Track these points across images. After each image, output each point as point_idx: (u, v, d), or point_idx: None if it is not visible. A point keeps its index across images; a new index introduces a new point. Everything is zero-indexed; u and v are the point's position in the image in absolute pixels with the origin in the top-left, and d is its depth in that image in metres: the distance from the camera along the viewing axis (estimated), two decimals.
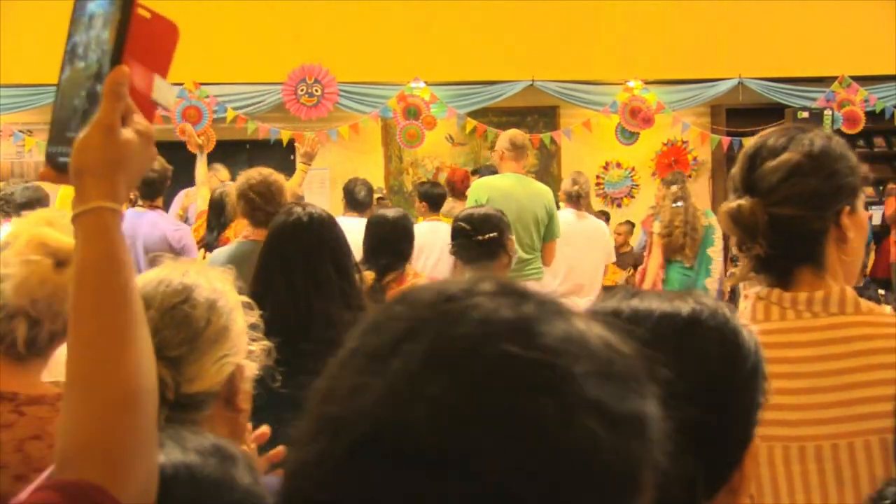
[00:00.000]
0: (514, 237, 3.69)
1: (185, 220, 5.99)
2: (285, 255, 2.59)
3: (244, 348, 1.46)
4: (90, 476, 0.91)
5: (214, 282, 1.46)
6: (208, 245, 4.89)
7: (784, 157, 1.51)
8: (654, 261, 6.52)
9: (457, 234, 3.56)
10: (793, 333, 1.50)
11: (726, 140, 9.11)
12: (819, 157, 1.52)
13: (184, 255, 4.41)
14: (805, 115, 7.99)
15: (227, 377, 1.41)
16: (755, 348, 0.98)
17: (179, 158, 5.81)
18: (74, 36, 1.13)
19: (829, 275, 1.53)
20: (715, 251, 6.61)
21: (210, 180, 5.94)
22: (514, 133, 5.51)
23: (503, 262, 3.54)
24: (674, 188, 6.51)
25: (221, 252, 3.78)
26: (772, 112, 8.80)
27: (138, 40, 1.04)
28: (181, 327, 1.38)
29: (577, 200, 6.09)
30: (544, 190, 5.43)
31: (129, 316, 0.98)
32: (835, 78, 9.03)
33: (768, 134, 1.59)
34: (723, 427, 0.94)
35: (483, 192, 5.21)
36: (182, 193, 6.55)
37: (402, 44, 8.55)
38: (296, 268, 2.55)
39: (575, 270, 5.89)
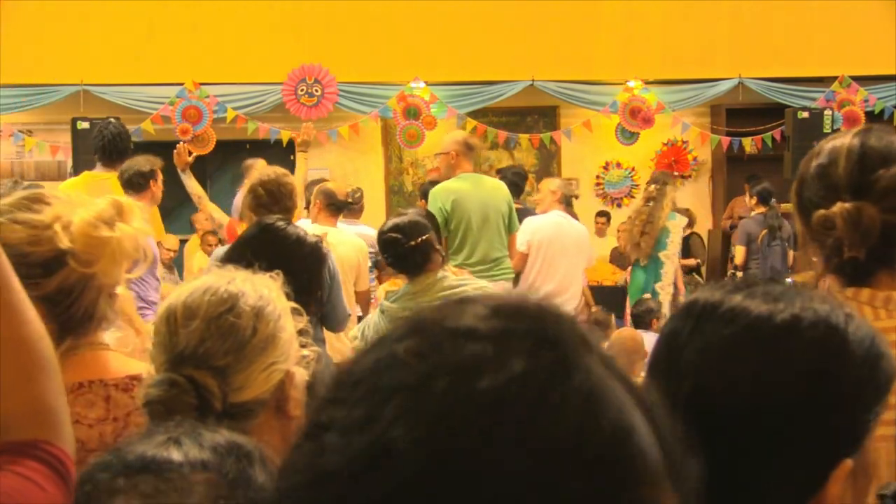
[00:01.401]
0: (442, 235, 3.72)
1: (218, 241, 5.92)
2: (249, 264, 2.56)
3: (294, 354, 1.45)
4: (48, 436, 0.96)
5: (261, 288, 1.45)
6: None
7: None
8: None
9: (388, 246, 3.57)
10: (890, 333, 1.50)
11: (726, 140, 9.10)
12: None
13: None
14: (805, 115, 7.99)
15: (276, 384, 1.40)
16: (870, 363, 0.91)
17: None
18: None
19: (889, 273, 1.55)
20: (666, 255, 6.66)
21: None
22: (463, 133, 5.63)
23: (437, 263, 3.57)
24: (651, 187, 6.61)
25: (222, 252, 3.78)
26: (772, 112, 8.81)
27: None
28: (227, 337, 1.37)
29: (569, 204, 6.14)
30: (499, 185, 5.53)
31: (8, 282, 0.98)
32: (835, 78, 9.03)
33: (862, 134, 1.57)
34: (804, 442, 0.89)
35: (446, 197, 5.24)
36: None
37: (402, 44, 8.55)
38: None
39: (567, 274, 5.93)
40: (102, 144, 5.29)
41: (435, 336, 0.57)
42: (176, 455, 0.98)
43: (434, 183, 6.76)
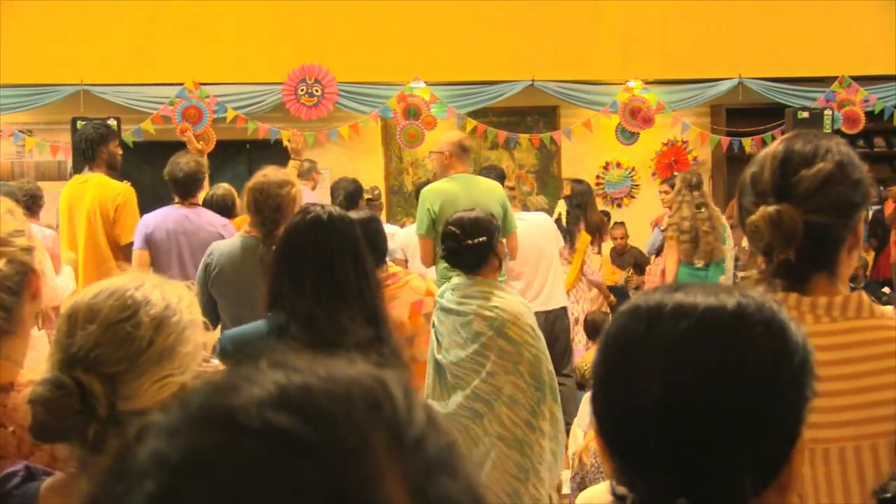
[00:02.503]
0: (504, 241, 3.68)
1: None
2: (300, 254, 2.49)
3: (194, 367, 1.43)
4: None
5: (170, 297, 1.42)
6: None
7: (819, 165, 1.54)
8: (671, 260, 6.58)
9: (446, 238, 3.58)
10: (813, 338, 1.52)
11: (726, 140, 9.10)
12: (846, 166, 1.56)
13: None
14: (805, 115, 7.99)
15: (169, 396, 1.38)
16: (803, 343, 0.97)
17: None
18: None
19: (840, 280, 1.57)
20: (728, 249, 6.71)
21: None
22: (459, 134, 5.58)
23: (493, 266, 3.55)
24: (696, 193, 6.58)
25: (224, 245, 3.76)
26: (772, 112, 8.81)
27: None
28: (121, 345, 1.35)
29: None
30: (494, 186, 5.45)
31: None
32: (835, 78, 9.03)
33: (790, 139, 1.61)
34: (770, 423, 0.93)
35: (434, 199, 5.19)
36: None
37: (402, 44, 8.55)
38: (309, 267, 2.45)
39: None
40: (82, 149, 5.34)
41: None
42: None
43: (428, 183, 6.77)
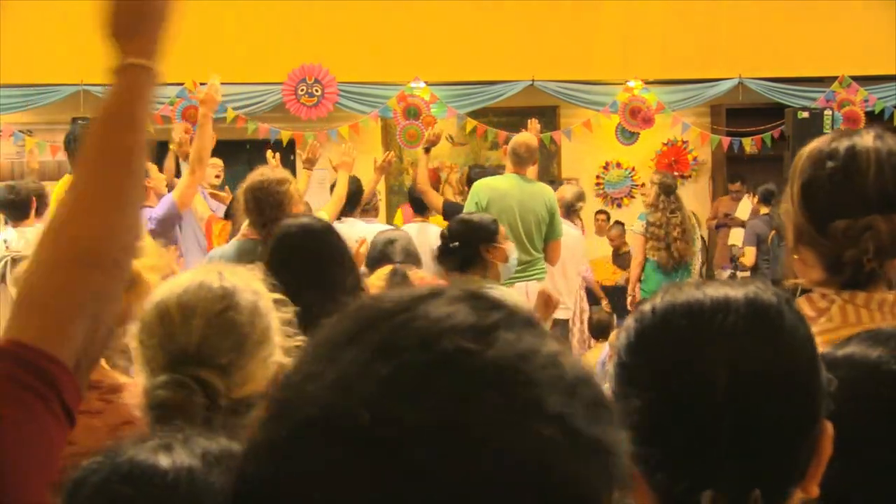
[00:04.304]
0: (505, 244, 3.66)
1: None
2: (288, 259, 2.53)
3: (281, 345, 1.46)
4: (25, 334, 0.91)
5: (251, 282, 1.45)
6: None
7: None
8: (635, 261, 6.67)
9: (440, 237, 3.66)
10: None
11: (726, 140, 9.10)
12: None
13: None
14: (805, 115, 7.98)
15: (272, 377, 1.41)
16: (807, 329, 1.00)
17: None
18: None
19: (887, 279, 1.56)
20: (696, 251, 6.77)
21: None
22: (522, 141, 5.51)
23: (483, 270, 3.54)
24: (672, 198, 6.63)
25: (220, 251, 3.76)
26: (772, 112, 8.80)
27: None
28: (228, 334, 1.37)
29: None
30: (545, 189, 5.44)
31: (124, 177, 0.99)
32: (835, 78, 9.02)
33: (879, 138, 1.55)
34: (817, 408, 0.95)
35: (483, 194, 5.23)
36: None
37: (402, 44, 8.54)
38: (299, 271, 2.47)
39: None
40: (71, 148, 5.35)
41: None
42: (163, 462, 0.97)
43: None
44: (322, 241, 2.62)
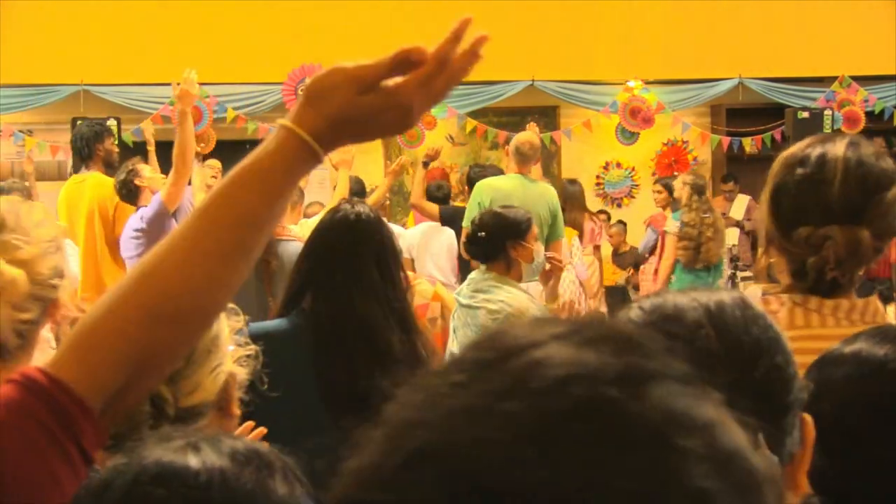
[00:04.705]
0: (534, 245, 3.64)
1: None
2: (328, 252, 2.46)
3: (230, 355, 1.46)
4: (61, 370, 0.90)
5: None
6: None
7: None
8: (667, 262, 6.63)
9: (471, 228, 3.71)
10: (831, 341, 1.52)
11: (726, 140, 9.10)
12: None
13: None
14: (805, 115, 7.99)
15: (221, 386, 1.41)
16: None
17: None
18: None
19: (853, 286, 1.58)
20: (724, 252, 6.82)
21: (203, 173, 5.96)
22: (526, 140, 5.54)
23: (507, 265, 3.54)
24: (703, 198, 6.67)
25: None
26: (772, 112, 8.80)
27: None
28: None
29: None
30: (547, 189, 5.45)
31: (240, 236, 0.94)
32: (835, 78, 9.02)
33: (851, 146, 1.55)
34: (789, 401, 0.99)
35: (486, 194, 5.24)
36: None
37: (402, 44, 8.51)
38: (338, 266, 2.42)
39: None
40: (79, 147, 5.35)
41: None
42: (193, 462, 0.95)
43: (437, 186, 6.76)
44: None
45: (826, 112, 8.07)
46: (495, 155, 9.18)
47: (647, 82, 8.98)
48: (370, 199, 5.55)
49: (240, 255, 0.95)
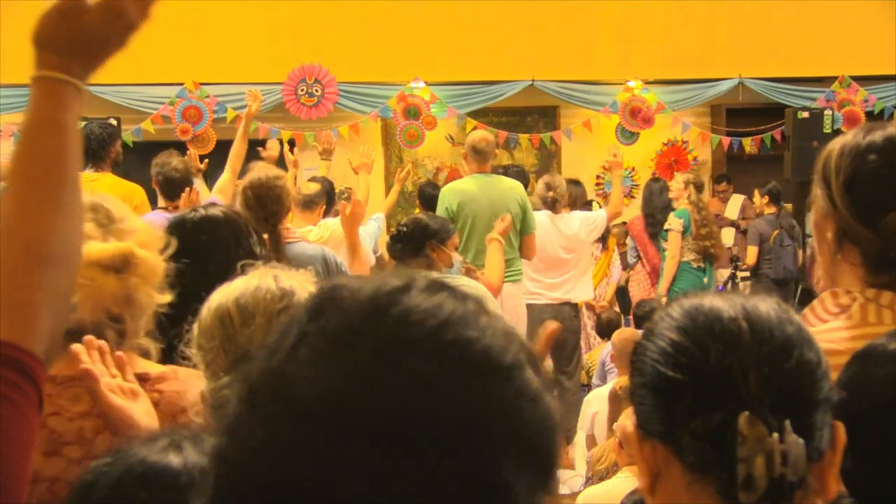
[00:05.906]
0: (453, 254, 3.76)
1: None
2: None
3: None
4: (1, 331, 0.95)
5: (306, 284, 1.51)
6: None
7: None
8: (672, 260, 6.66)
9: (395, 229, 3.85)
10: None
11: (726, 140, 9.10)
12: None
13: None
14: (805, 115, 7.99)
15: None
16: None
17: None
18: None
19: None
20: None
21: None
22: (478, 138, 5.56)
23: (421, 266, 3.62)
24: (701, 196, 6.72)
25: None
26: (772, 112, 8.81)
27: None
28: None
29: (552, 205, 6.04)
30: (514, 185, 5.46)
31: (59, 177, 1.03)
32: (835, 78, 9.03)
33: None
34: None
35: (452, 199, 5.25)
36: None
37: (402, 44, 8.54)
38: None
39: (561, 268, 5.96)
40: (92, 148, 5.35)
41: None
42: (175, 461, 0.97)
43: (433, 185, 6.77)
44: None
45: (826, 112, 8.07)
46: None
47: (647, 82, 8.98)
48: (384, 205, 5.68)
49: (65, 194, 1.05)
